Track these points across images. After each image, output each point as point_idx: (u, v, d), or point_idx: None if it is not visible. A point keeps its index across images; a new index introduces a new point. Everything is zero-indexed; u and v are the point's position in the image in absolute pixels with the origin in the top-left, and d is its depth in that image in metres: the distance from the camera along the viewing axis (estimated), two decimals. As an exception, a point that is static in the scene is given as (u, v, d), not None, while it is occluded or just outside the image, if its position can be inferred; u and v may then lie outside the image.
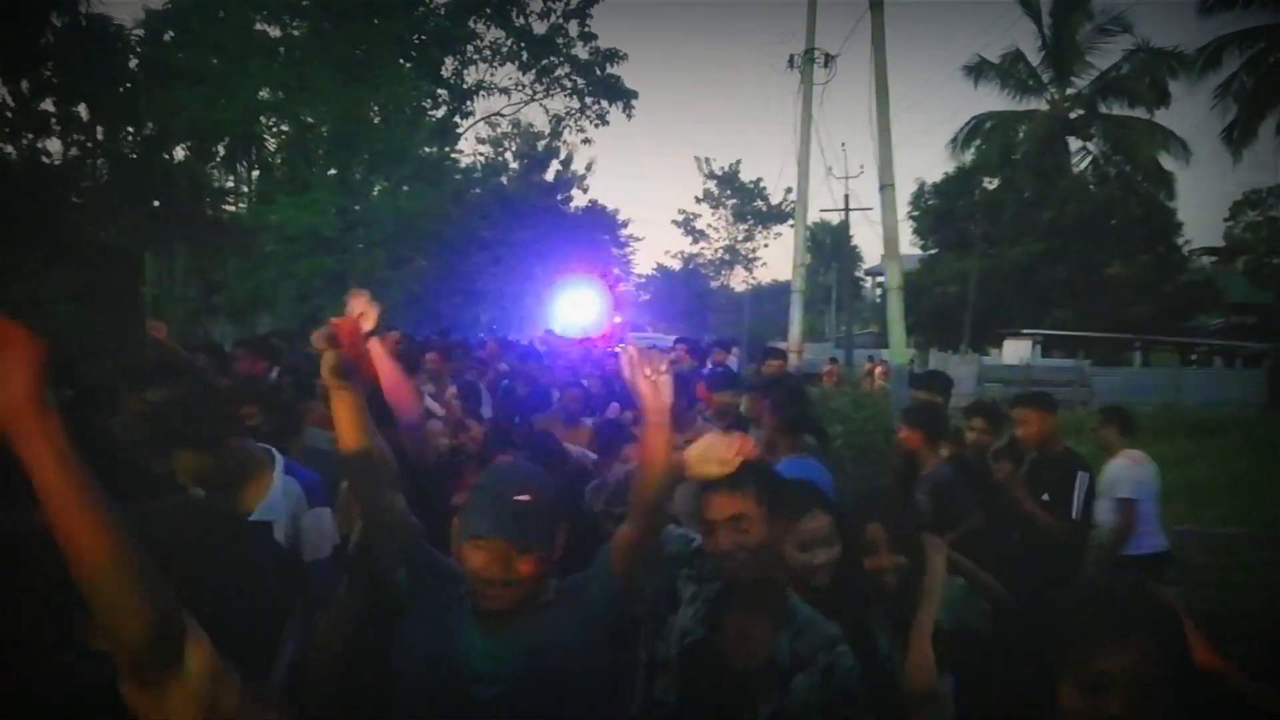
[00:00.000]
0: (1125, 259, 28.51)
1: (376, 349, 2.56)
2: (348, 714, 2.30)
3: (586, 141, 27.48)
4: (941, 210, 32.15)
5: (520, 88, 25.27)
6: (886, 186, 11.83)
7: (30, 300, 11.24)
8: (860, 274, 50.32)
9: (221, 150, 17.64)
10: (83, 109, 16.14)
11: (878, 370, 18.71)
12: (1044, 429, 4.54)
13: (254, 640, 2.45)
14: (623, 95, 24.99)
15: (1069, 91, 30.55)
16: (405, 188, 17.02)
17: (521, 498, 1.88)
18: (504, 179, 30.97)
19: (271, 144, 17.64)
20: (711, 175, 47.78)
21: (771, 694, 2.03)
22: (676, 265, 53.44)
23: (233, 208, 18.35)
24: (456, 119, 24.17)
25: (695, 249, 50.82)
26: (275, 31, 16.63)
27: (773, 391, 4.76)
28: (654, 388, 1.96)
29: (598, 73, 24.64)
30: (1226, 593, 5.39)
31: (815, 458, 4.17)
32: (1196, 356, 28.48)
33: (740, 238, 48.33)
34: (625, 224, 41.86)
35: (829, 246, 41.48)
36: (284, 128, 16.87)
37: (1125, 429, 5.26)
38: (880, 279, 39.76)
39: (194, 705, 1.24)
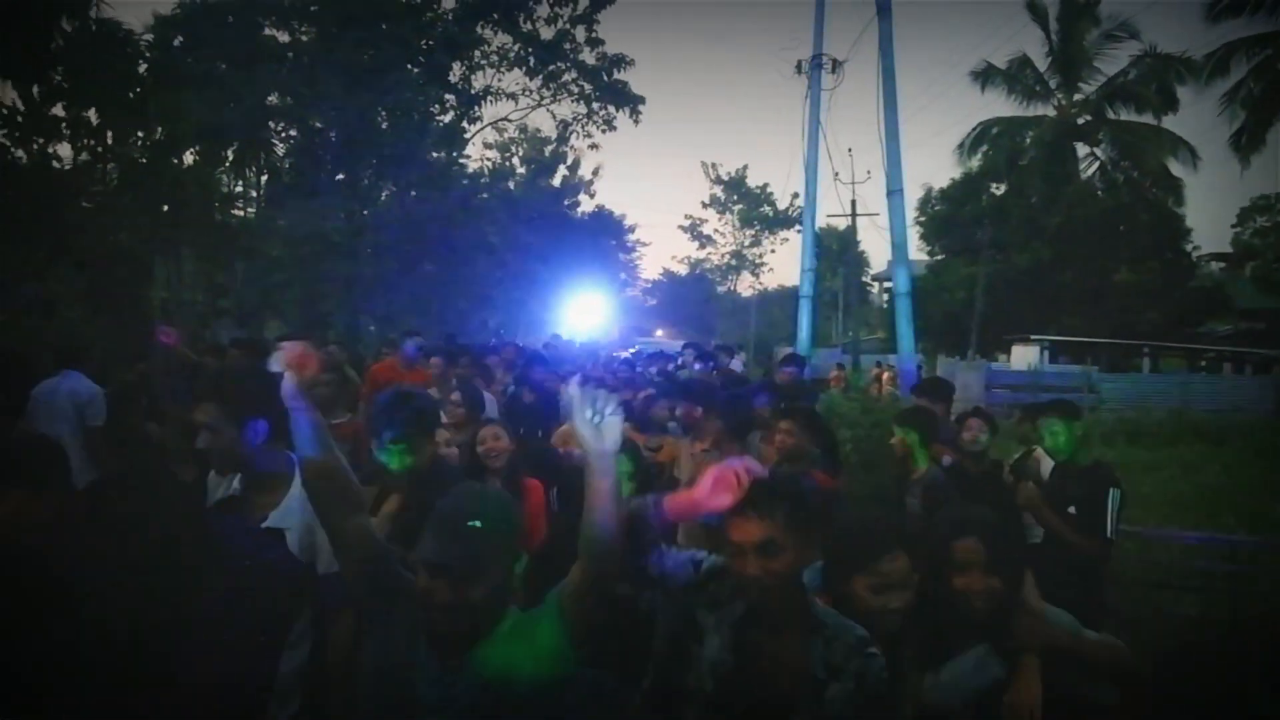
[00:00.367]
0: (1133, 265, 28.42)
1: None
2: None
3: (594, 147, 27.51)
4: (948, 216, 32.08)
5: (527, 93, 25.31)
6: (895, 192, 11.82)
7: (40, 304, 11.29)
8: (867, 279, 50.25)
9: (230, 155, 17.71)
10: (92, 114, 16.23)
11: (885, 375, 18.66)
12: (1071, 439, 4.47)
13: (255, 642, 2.44)
14: (630, 101, 25.01)
15: (1076, 97, 30.49)
16: (413, 193, 17.07)
17: (474, 524, 1.86)
18: (511, 184, 31.01)
19: (280, 149, 17.70)
20: (718, 180, 47.78)
21: (809, 708, 1.98)
22: (683, 270, 53.50)
23: (241, 212, 18.42)
24: (464, 124, 24.22)
25: (702, 254, 50.86)
26: (284, 37, 16.70)
27: (713, 398, 4.82)
28: (597, 431, 1.90)
29: (605, 78, 24.67)
30: (1237, 600, 5.35)
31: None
32: (1205, 363, 28.33)
33: (747, 243, 48.30)
34: (632, 229, 41.96)
35: (835, 252, 41.40)
36: (292, 133, 16.92)
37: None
38: (887, 284, 39.70)
39: None
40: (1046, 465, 4.74)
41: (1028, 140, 30.60)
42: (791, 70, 14.30)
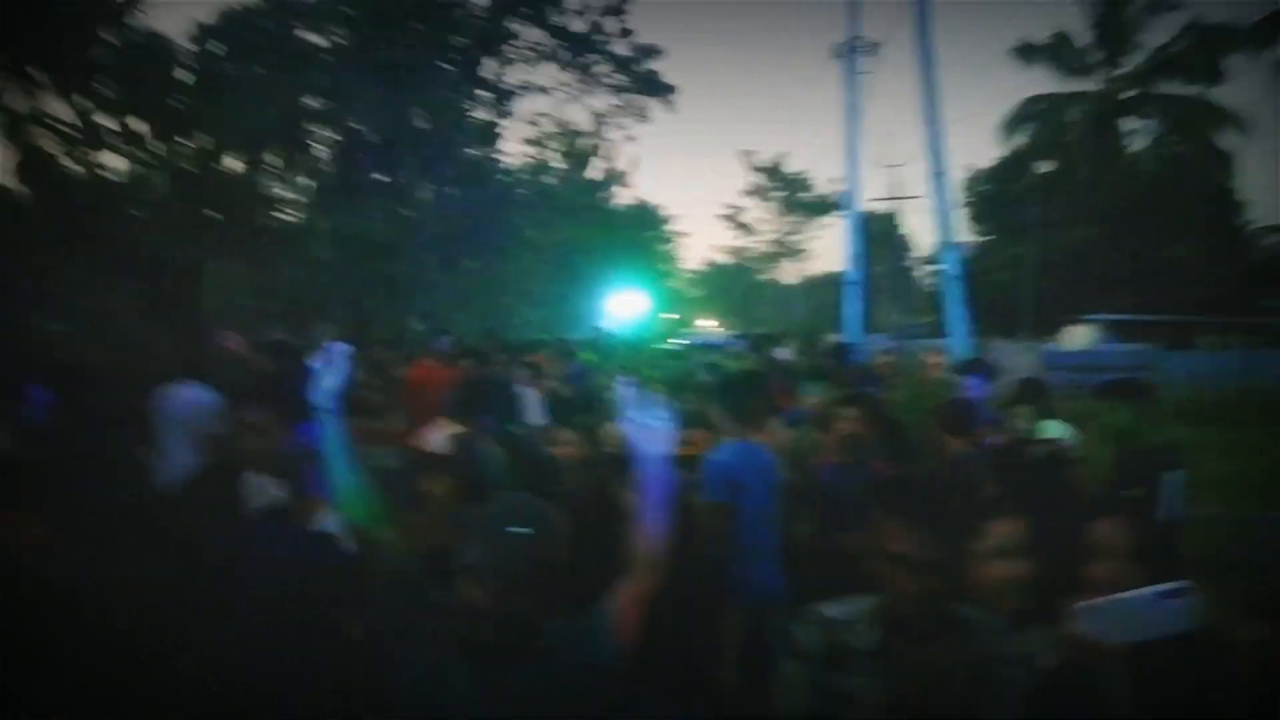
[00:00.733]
0: (1186, 240, 27.65)
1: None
2: None
3: (630, 139, 27.39)
4: (994, 196, 31.52)
5: (561, 87, 25.30)
6: (939, 175, 11.58)
7: (97, 314, 11.51)
8: (911, 263, 49.59)
9: (274, 160, 17.92)
10: (141, 124, 16.55)
11: (934, 360, 18.36)
12: (1134, 419, 4.32)
13: (307, 643, 2.41)
14: (662, 90, 24.89)
15: (1121, 72, 29.71)
16: (451, 191, 17.14)
17: (521, 531, 1.81)
18: (548, 179, 31.05)
19: (321, 152, 17.88)
20: (757, 169, 47.45)
21: (987, 708, 1.83)
22: (725, 260, 53.26)
23: (286, 216, 18.64)
24: (499, 120, 24.30)
25: (743, 243, 50.56)
26: (320, 40, 16.85)
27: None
28: (648, 434, 1.88)
29: (637, 69, 24.56)
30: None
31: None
32: (1268, 338, 27.46)
33: (788, 230, 47.91)
34: (671, 220, 41.79)
35: (879, 236, 40.92)
36: (333, 135, 17.09)
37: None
38: (933, 268, 39.14)
39: None
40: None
41: (1072, 117, 29.90)
42: (829, 54, 14.09)
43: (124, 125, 16.56)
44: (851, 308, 13.75)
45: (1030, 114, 30.57)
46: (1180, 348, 24.50)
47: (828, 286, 43.71)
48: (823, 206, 45.86)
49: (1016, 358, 16.97)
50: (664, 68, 24.73)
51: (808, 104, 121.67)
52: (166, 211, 16.16)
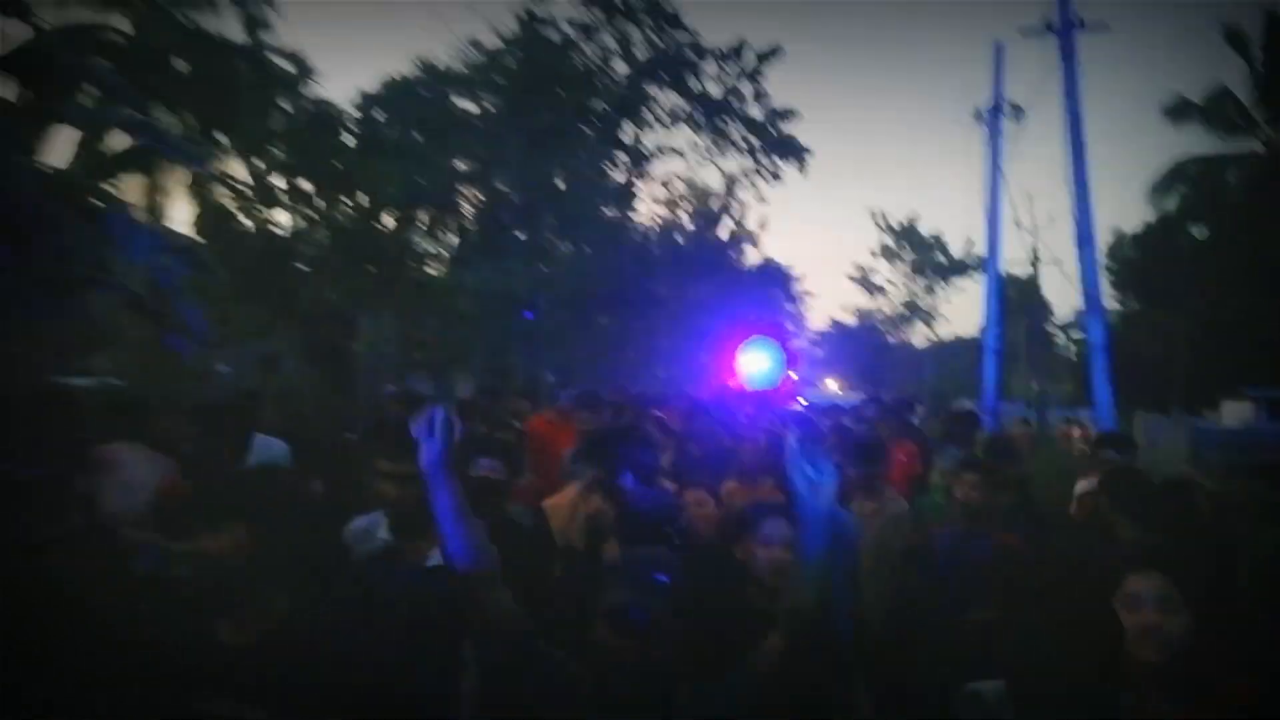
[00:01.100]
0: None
1: None
2: None
3: (760, 200, 27.62)
4: (1142, 262, 30.02)
5: (695, 149, 25.85)
6: (1086, 242, 11.25)
7: (263, 359, 12.41)
8: (1051, 329, 47.59)
9: (424, 218, 19.02)
10: (307, 184, 17.92)
11: (1076, 432, 17.57)
12: None
13: (426, 671, 2.47)
14: (796, 152, 25.08)
15: (1288, 130, 28.03)
16: (588, 250, 17.71)
17: (662, 579, 1.78)
18: (679, 239, 31.60)
19: (468, 211, 18.85)
20: (888, 229, 46.87)
21: None
22: (852, 321, 52.51)
23: (433, 271, 19.68)
24: (635, 182, 25.01)
25: (872, 304, 49.81)
26: (471, 107, 17.87)
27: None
28: (813, 488, 1.81)
29: (771, 131, 24.86)
30: None
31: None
32: None
33: (920, 292, 46.93)
34: (799, 279, 41.63)
35: (1017, 301, 39.53)
36: (478, 195, 17.99)
37: None
38: (1074, 334, 37.46)
39: None
40: None
41: (1232, 179, 28.30)
42: (967, 116, 13.98)
43: (292, 185, 18.01)
44: (988, 373, 13.37)
45: (1183, 175, 29.07)
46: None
47: (959, 350, 42.44)
48: (956, 269, 44.79)
49: (1166, 433, 16.06)
50: (797, 127, 25.02)
51: (942, 163, 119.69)
52: (326, 264, 17.37)
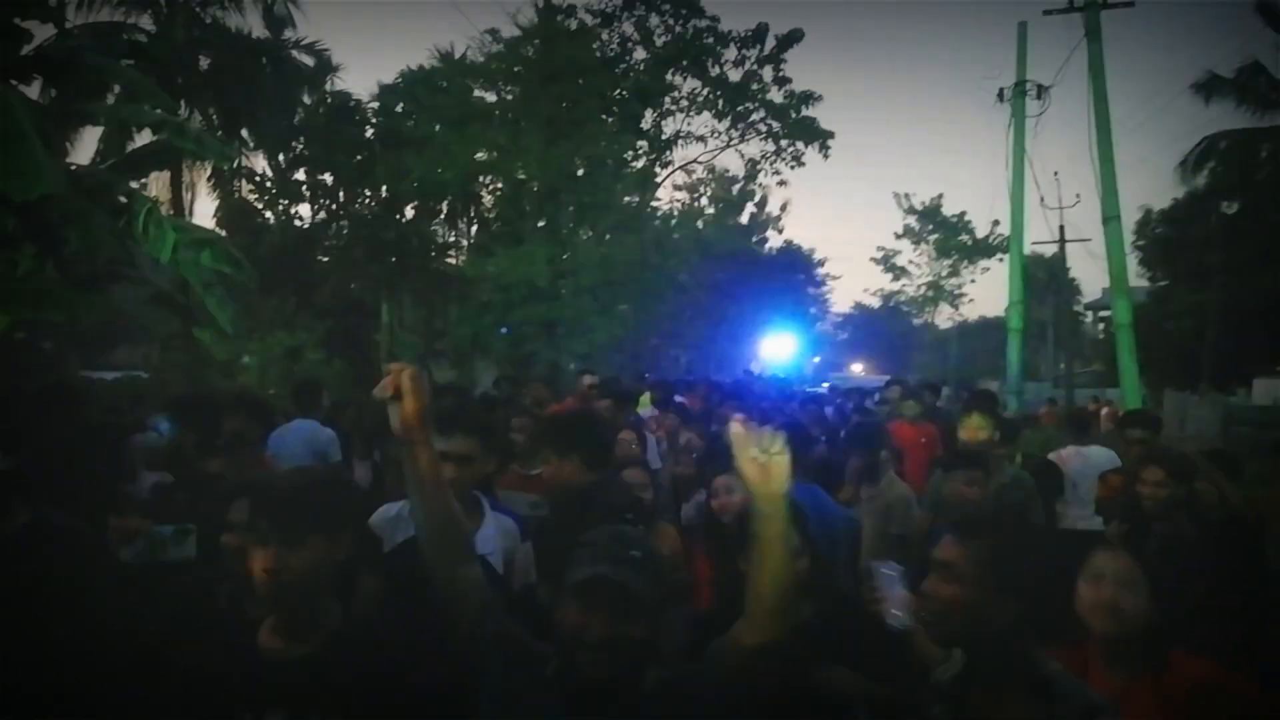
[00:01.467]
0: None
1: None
2: None
3: (782, 184, 27.47)
4: (1172, 239, 29.57)
5: (716, 135, 25.75)
6: (1111, 219, 11.11)
7: (287, 348, 12.58)
8: (1079, 308, 47.06)
9: (444, 208, 19.13)
10: (328, 177, 18.10)
11: (1104, 411, 17.40)
12: None
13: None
14: (818, 136, 24.90)
15: (1323, 103, 27.41)
16: (609, 237, 17.72)
17: (634, 553, 1.70)
18: (700, 224, 31.53)
19: (488, 201, 18.92)
20: (912, 210, 46.45)
21: None
22: (876, 303, 52.21)
23: (454, 261, 19.80)
24: (655, 168, 24.96)
25: (896, 286, 49.45)
26: (490, 97, 17.89)
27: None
28: (763, 471, 1.72)
29: (793, 115, 24.71)
30: None
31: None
32: None
33: (944, 273, 46.52)
34: (821, 263, 41.43)
35: (1043, 281, 39.08)
36: (499, 185, 18.05)
37: None
38: (1103, 313, 37.03)
39: None
40: None
41: (1264, 153, 27.75)
42: (992, 98, 13.82)
43: (313, 178, 18.20)
44: (1012, 354, 13.27)
45: (1215, 151, 28.53)
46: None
47: (986, 331, 42.09)
48: (982, 249, 44.34)
49: (1196, 410, 15.88)
50: (819, 110, 24.84)
51: (967, 144, 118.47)
52: (347, 255, 17.56)
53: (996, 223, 40.92)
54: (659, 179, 25.54)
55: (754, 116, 25.25)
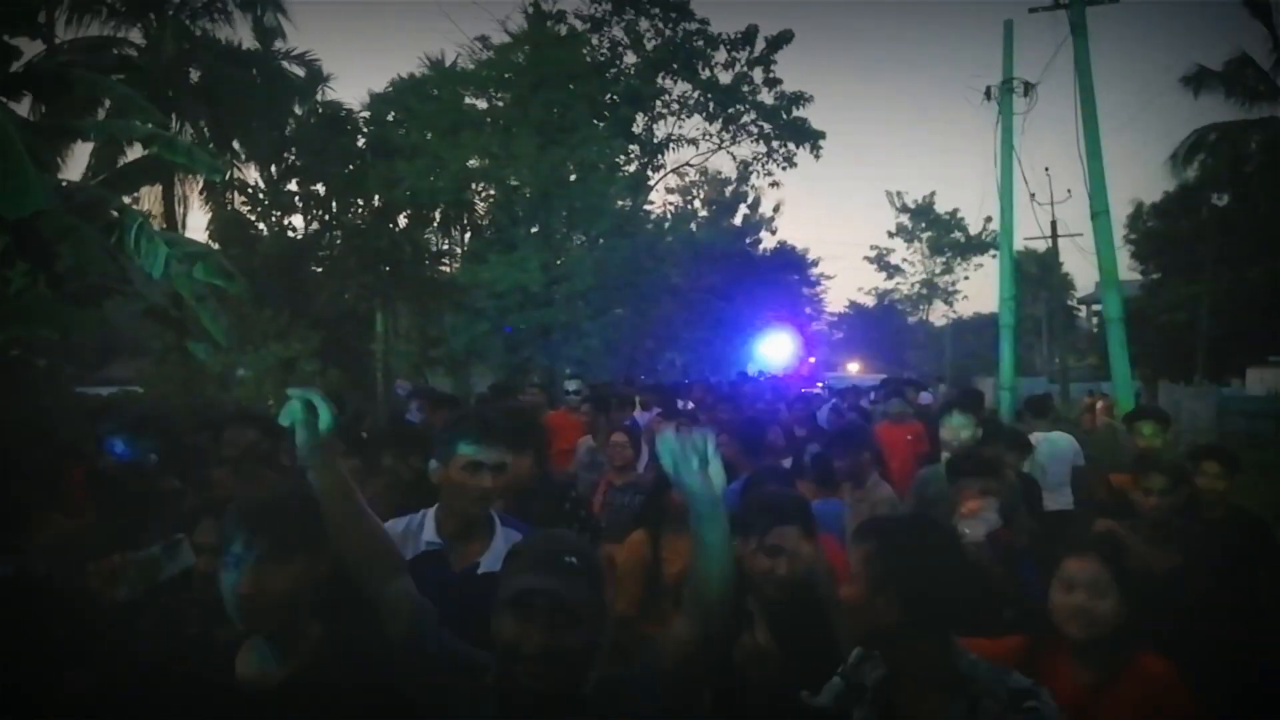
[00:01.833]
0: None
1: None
2: None
3: (774, 184, 27.56)
4: (1163, 232, 29.68)
5: (707, 137, 25.84)
6: (1100, 214, 11.16)
7: (281, 360, 12.58)
8: (1073, 303, 47.18)
9: (437, 216, 19.14)
10: (320, 187, 18.11)
11: (1099, 405, 17.45)
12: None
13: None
14: (810, 137, 25.00)
15: (1311, 94, 27.52)
16: (602, 241, 17.75)
17: (570, 560, 1.66)
18: (693, 226, 31.56)
19: (480, 208, 18.95)
20: (904, 209, 46.56)
21: None
22: (870, 302, 52.28)
23: (448, 268, 19.82)
24: (648, 172, 25.02)
25: (890, 284, 49.55)
26: (482, 104, 17.92)
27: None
28: (701, 475, 1.73)
29: (784, 116, 24.79)
30: None
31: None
32: None
33: (938, 271, 46.64)
34: (815, 263, 41.46)
35: (1036, 276, 39.18)
36: (491, 192, 18.08)
37: None
38: (1095, 307, 37.11)
39: None
40: None
41: (1253, 145, 27.85)
42: (979, 96, 13.87)
43: (305, 188, 18.21)
44: (1004, 349, 13.32)
45: (1204, 144, 28.63)
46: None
47: (980, 327, 42.18)
48: (975, 246, 44.46)
49: (1190, 402, 15.94)
50: (810, 111, 24.92)
51: (958, 141, 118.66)
52: (341, 265, 17.57)
53: (989, 219, 40.99)
54: (651, 183, 25.65)
55: (745, 118, 25.36)
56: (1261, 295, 25.78)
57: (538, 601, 1.60)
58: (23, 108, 9.87)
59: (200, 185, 17.01)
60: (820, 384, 24.88)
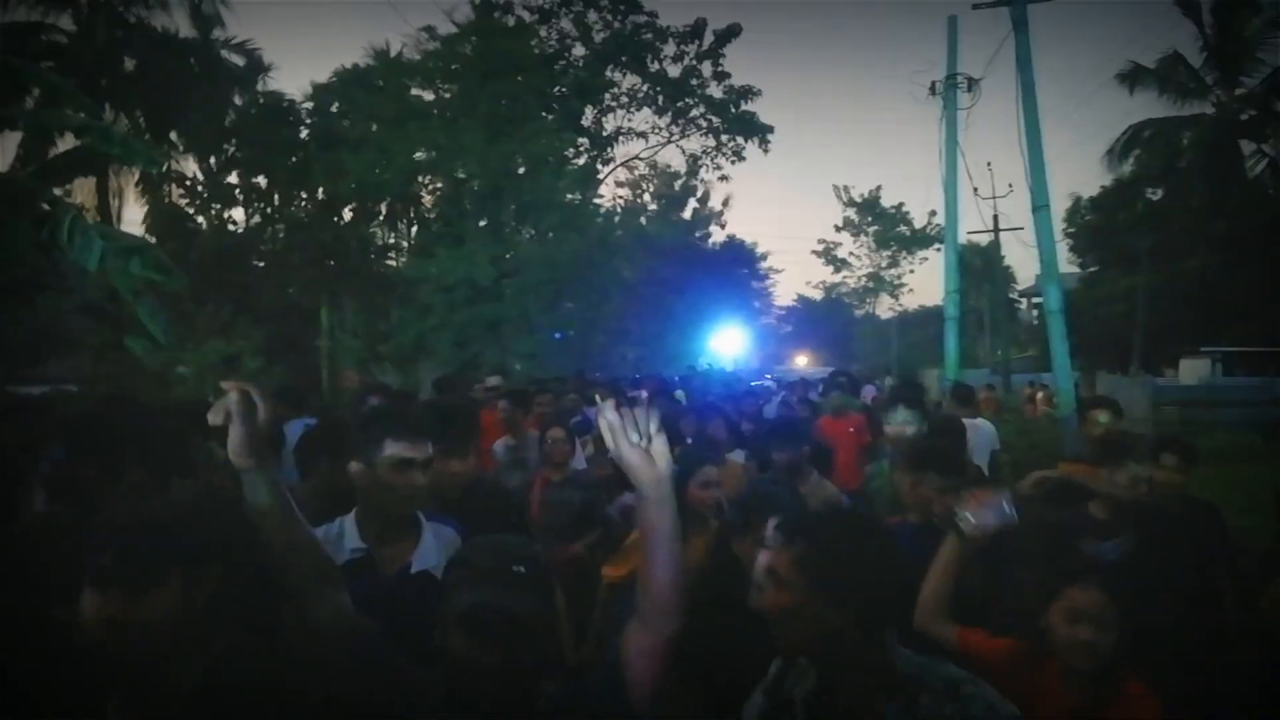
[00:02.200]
0: (1315, 266, 26.11)
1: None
2: None
3: (723, 179, 27.67)
4: (1100, 226, 30.48)
5: (657, 130, 25.84)
6: (1041, 208, 11.39)
7: (223, 356, 12.29)
8: (1014, 295, 48.23)
9: (384, 209, 18.86)
10: (262, 179, 17.73)
11: (1040, 396, 17.87)
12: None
13: (405, 697, 2.30)
14: (758, 131, 25.13)
15: (1238, 92, 28.46)
16: (551, 235, 17.65)
17: (518, 569, 1.54)
18: (643, 220, 31.57)
19: (428, 201, 18.71)
20: (851, 203, 47.12)
21: None
22: (818, 296, 52.88)
23: (395, 262, 19.54)
24: (597, 166, 24.93)
25: (837, 278, 50.14)
26: (428, 95, 17.68)
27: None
28: (646, 457, 1.63)
29: (732, 110, 24.90)
30: None
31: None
32: None
33: (884, 264, 47.31)
34: (764, 257, 41.81)
35: (979, 269, 39.96)
36: (438, 185, 17.86)
37: None
38: (1036, 300, 37.98)
39: None
40: None
41: (1185, 141, 28.73)
42: (924, 92, 14.04)
43: (246, 180, 17.81)
44: (949, 342, 13.55)
45: (1139, 140, 29.47)
46: (1310, 380, 23.12)
47: (926, 320, 42.90)
48: (920, 240, 45.19)
49: (1126, 392, 16.37)
50: (758, 105, 25.06)
51: (903, 136, 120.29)
52: (284, 260, 17.23)
53: (933, 213, 41.72)
54: (601, 176, 25.56)
55: (694, 112, 25.41)
56: (1194, 288, 26.64)
57: (489, 618, 1.48)
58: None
59: (136, 177, 16.54)
60: (768, 376, 25.08)
